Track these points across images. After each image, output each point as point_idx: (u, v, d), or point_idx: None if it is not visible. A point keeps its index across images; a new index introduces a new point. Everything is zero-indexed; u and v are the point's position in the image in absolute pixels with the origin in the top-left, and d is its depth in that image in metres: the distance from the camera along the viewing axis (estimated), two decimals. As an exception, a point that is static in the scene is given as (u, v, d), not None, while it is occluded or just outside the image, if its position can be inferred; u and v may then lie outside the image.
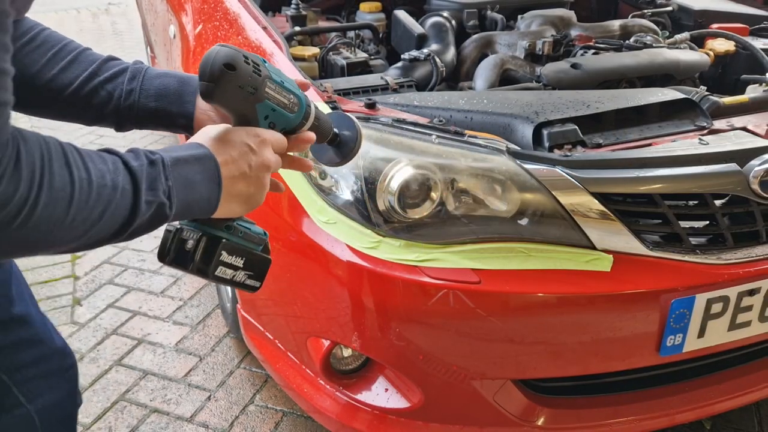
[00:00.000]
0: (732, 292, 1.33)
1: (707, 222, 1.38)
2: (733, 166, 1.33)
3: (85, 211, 0.61)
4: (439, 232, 1.28)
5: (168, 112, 0.91)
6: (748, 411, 1.84)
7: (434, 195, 1.27)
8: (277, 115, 0.80)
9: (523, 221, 1.28)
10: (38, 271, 2.61)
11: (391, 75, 1.75)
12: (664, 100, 1.51)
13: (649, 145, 1.40)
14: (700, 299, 1.31)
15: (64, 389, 1.12)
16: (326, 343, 1.40)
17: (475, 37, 2.07)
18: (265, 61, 0.78)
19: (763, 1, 2.57)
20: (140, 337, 2.19)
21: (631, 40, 2.01)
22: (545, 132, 1.38)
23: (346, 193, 1.32)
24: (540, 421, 1.41)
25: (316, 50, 1.89)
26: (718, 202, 1.35)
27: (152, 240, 2.80)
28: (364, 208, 1.29)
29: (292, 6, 2.19)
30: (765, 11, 2.39)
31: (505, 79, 1.89)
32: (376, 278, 1.26)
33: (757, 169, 1.32)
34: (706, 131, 1.46)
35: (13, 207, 0.55)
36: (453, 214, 1.28)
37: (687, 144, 1.39)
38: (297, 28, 2.06)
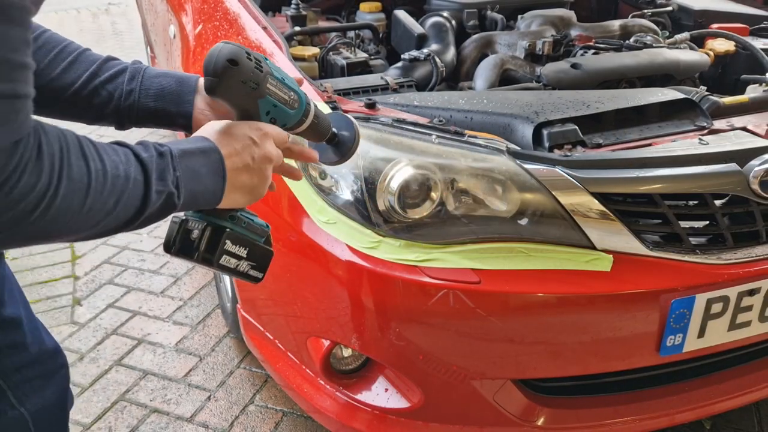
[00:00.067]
0: (732, 292, 1.33)
1: (707, 222, 1.38)
2: (733, 166, 1.33)
3: (100, 201, 0.64)
4: (439, 232, 1.28)
5: (167, 111, 0.93)
6: (748, 411, 1.85)
7: (434, 195, 1.27)
8: (278, 110, 0.82)
9: (523, 221, 1.28)
10: (38, 271, 2.61)
11: (391, 75, 1.75)
12: (664, 100, 1.51)
13: (649, 145, 1.40)
14: (700, 299, 1.31)
15: (57, 390, 1.12)
16: (326, 343, 1.40)
17: (475, 37, 2.07)
18: (266, 59, 0.80)
19: (763, 1, 2.57)
20: (140, 337, 2.19)
21: (631, 40, 2.01)
22: (545, 132, 1.38)
23: (346, 193, 1.32)
24: (540, 421, 1.41)
25: (316, 50, 1.89)
26: (718, 202, 1.35)
27: (152, 240, 2.80)
28: (364, 208, 1.29)
29: (292, 6, 2.19)
30: (765, 11, 2.39)
31: (505, 79, 1.90)
32: (376, 278, 1.26)
33: (757, 169, 1.32)
34: (706, 131, 1.46)
35: (35, 197, 0.57)
36: (453, 214, 1.28)
37: (687, 144, 1.39)
38: (297, 28, 2.06)
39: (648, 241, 1.31)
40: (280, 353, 1.59)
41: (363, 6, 2.34)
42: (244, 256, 0.83)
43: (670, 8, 2.43)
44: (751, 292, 1.35)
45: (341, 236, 1.30)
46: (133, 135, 3.77)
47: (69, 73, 0.89)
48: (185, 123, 0.94)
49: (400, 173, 1.26)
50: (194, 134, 0.80)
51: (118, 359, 2.09)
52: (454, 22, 2.19)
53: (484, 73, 1.85)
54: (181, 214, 0.81)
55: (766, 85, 1.71)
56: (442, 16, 2.18)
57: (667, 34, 2.19)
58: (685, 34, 2.06)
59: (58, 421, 1.16)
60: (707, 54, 1.94)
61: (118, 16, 7.42)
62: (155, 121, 0.94)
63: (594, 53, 1.92)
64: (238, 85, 0.76)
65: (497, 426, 1.41)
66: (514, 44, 2.04)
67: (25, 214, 0.57)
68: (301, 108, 0.85)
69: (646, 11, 2.40)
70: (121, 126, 0.94)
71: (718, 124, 1.50)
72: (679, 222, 1.33)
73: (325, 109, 1.36)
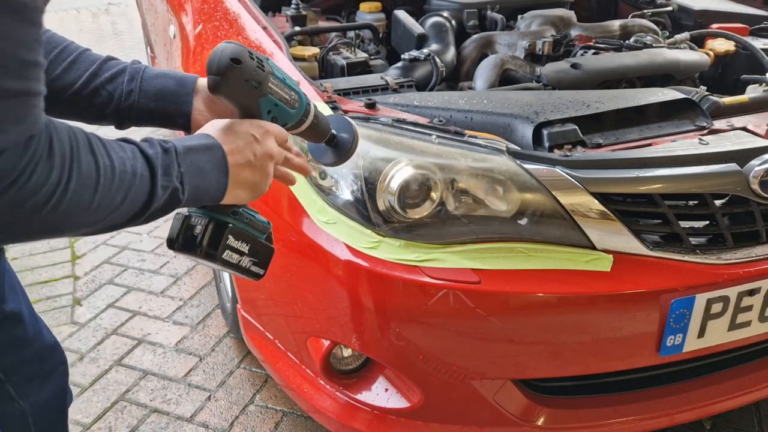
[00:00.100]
0: (732, 292, 1.33)
1: (707, 222, 1.38)
2: (733, 166, 1.33)
3: (108, 196, 0.65)
4: (439, 232, 1.28)
5: (166, 112, 0.94)
6: (748, 411, 1.85)
7: (434, 195, 1.27)
8: (279, 109, 0.84)
9: (523, 221, 1.28)
10: (38, 271, 2.61)
11: (391, 75, 1.75)
12: (664, 100, 1.51)
13: (649, 145, 1.40)
14: (700, 299, 1.31)
15: (56, 386, 1.14)
16: (326, 343, 1.40)
17: (475, 37, 2.07)
18: (268, 59, 0.82)
19: (763, 1, 2.57)
20: (140, 337, 2.19)
21: (631, 40, 2.01)
22: (545, 132, 1.38)
23: (346, 193, 1.32)
24: (540, 421, 1.41)
25: (316, 50, 1.89)
26: (718, 202, 1.35)
27: (152, 240, 2.80)
28: (364, 208, 1.29)
29: (292, 6, 2.19)
30: (765, 11, 2.39)
31: (505, 79, 1.89)
32: (376, 278, 1.26)
33: (757, 169, 1.32)
34: (706, 131, 1.46)
35: (47, 191, 0.59)
36: (453, 214, 1.28)
37: (687, 144, 1.39)
38: (297, 28, 2.06)
39: (648, 241, 1.31)
40: (280, 353, 1.59)
41: (363, 6, 2.34)
42: (246, 252, 0.84)
43: (670, 8, 2.43)
44: (751, 292, 1.35)
45: (341, 236, 1.30)
46: (137, 133, 3.78)
47: (69, 73, 0.90)
48: (184, 123, 0.95)
49: (400, 173, 1.26)
50: (197, 132, 0.81)
51: (118, 359, 2.09)
52: (454, 22, 2.19)
53: (484, 73, 1.85)
54: (185, 210, 0.82)
55: (766, 85, 1.71)
56: (442, 16, 2.18)
57: (667, 34, 2.19)
58: (685, 34, 2.06)
59: (57, 417, 1.18)
60: (707, 54, 1.94)
61: (118, 16, 7.42)
62: (154, 121, 0.95)
63: (594, 53, 1.92)
64: (241, 83, 0.77)
65: (497, 426, 1.41)
66: (514, 44, 2.04)
67: (37, 208, 0.59)
68: (301, 108, 0.86)
69: (646, 11, 2.40)
70: (121, 125, 0.95)
71: (718, 124, 1.50)
72: (679, 222, 1.33)
73: (326, 109, 1.36)
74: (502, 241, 1.29)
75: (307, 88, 1.44)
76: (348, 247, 1.28)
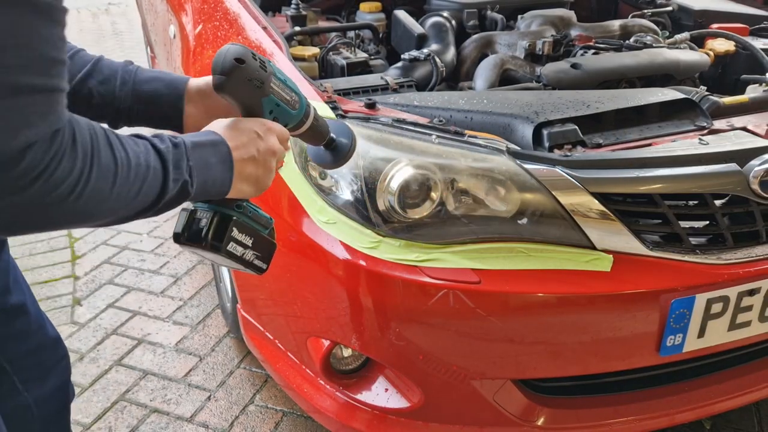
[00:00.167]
0: (732, 292, 1.33)
1: (707, 222, 1.38)
2: (733, 166, 1.33)
3: (125, 187, 0.68)
4: (439, 232, 1.28)
5: (159, 115, 0.97)
6: (748, 411, 1.85)
7: (434, 195, 1.27)
8: (280, 110, 0.86)
9: (523, 221, 1.28)
10: (38, 271, 2.61)
11: (391, 75, 1.75)
12: (664, 100, 1.51)
13: (649, 145, 1.40)
14: (700, 299, 1.31)
15: (59, 380, 1.18)
16: (326, 343, 1.40)
17: (475, 37, 2.07)
18: (270, 62, 0.85)
19: (763, 1, 2.57)
20: (140, 337, 2.19)
21: (631, 40, 2.01)
22: (545, 132, 1.38)
23: (346, 193, 1.32)
24: (540, 421, 1.41)
25: (316, 50, 1.89)
26: (718, 202, 1.35)
27: (152, 240, 2.80)
28: (364, 208, 1.29)
29: (292, 6, 2.19)
30: (765, 11, 2.39)
31: (505, 79, 1.89)
32: (376, 278, 1.26)
33: (757, 169, 1.32)
34: (706, 131, 1.46)
35: (72, 181, 0.62)
36: (453, 214, 1.28)
37: (687, 144, 1.39)
38: (297, 28, 2.06)
39: (648, 241, 1.31)
40: (280, 353, 1.59)
41: (363, 6, 2.34)
42: (250, 245, 0.87)
43: (670, 8, 2.43)
44: (751, 292, 1.35)
45: (341, 236, 1.30)
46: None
47: None
48: (177, 125, 0.97)
49: (400, 173, 1.26)
50: (203, 129, 0.84)
51: (118, 359, 2.09)
52: (454, 22, 2.19)
53: (484, 73, 1.85)
54: (190, 205, 0.85)
55: (766, 85, 1.71)
56: (442, 16, 2.18)
57: (667, 34, 2.19)
58: (685, 34, 2.06)
59: (60, 411, 1.21)
60: (707, 54, 1.94)
61: (118, 16, 7.42)
62: (148, 123, 0.97)
63: (594, 53, 1.92)
64: (244, 82, 0.80)
65: (497, 426, 1.41)
66: (514, 44, 2.04)
67: (62, 198, 0.61)
68: (301, 109, 0.89)
69: (646, 11, 2.40)
70: (116, 126, 0.97)
71: (718, 124, 1.50)
72: (679, 222, 1.33)
73: (326, 110, 1.36)
74: (502, 241, 1.29)
75: (307, 88, 1.45)
76: (348, 247, 1.28)
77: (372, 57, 1.93)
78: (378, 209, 1.28)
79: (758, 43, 2.03)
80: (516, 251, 1.28)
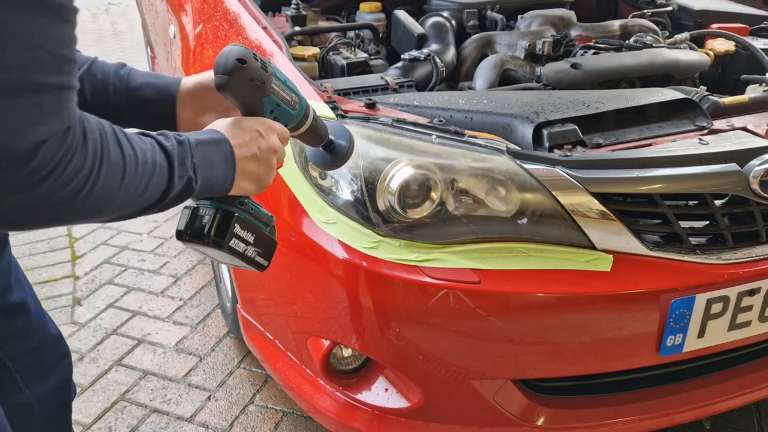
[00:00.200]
0: (732, 292, 1.33)
1: (707, 222, 1.38)
2: (733, 166, 1.33)
3: (133, 184, 0.69)
4: (439, 232, 1.28)
5: (152, 122, 0.97)
6: (748, 411, 1.85)
7: (434, 195, 1.27)
8: (280, 110, 0.88)
9: (523, 221, 1.28)
10: (38, 271, 2.61)
11: (391, 75, 1.75)
12: (664, 100, 1.51)
13: (649, 145, 1.40)
14: (700, 299, 1.31)
15: (60, 378, 1.18)
16: (326, 343, 1.40)
17: (475, 37, 2.07)
18: (270, 63, 0.86)
19: (763, 1, 2.57)
20: (140, 337, 2.19)
21: (631, 40, 2.01)
22: (545, 132, 1.38)
23: (346, 193, 1.32)
24: (540, 421, 1.41)
25: (316, 50, 1.89)
26: (718, 202, 1.35)
27: (152, 240, 2.80)
28: (364, 208, 1.29)
29: (292, 6, 2.19)
30: (765, 11, 2.39)
31: (505, 79, 1.89)
32: (376, 278, 1.26)
33: (757, 169, 1.32)
34: (706, 131, 1.46)
35: (83, 177, 0.63)
36: (453, 214, 1.28)
37: (687, 144, 1.39)
38: (297, 28, 2.06)
39: (648, 241, 1.31)
40: (280, 353, 1.59)
41: (363, 6, 2.34)
42: (252, 242, 0.88)
43: (670, 8, 2.43)
44: (751, 292, 1.35)
45: (341, 236, 1.30)
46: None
47: None
48: (170, 127, 0.98)
49: (400, 173, 1.26)
50: (205, 128, 0.86)
51: (118, 359, 2.09)
52: (454, 22, 2.19)
53: (484, 73, 1.85)
54: (192, 202, 0.85)
55: (766, 85, 1.71)
56: (442, 16, 2.18)
57: (667, 34, 2.19)
58: (685, 34, 2.06)
59: (61, 410, 1.22)
60: (707, 54, 1.94)
61: (118, 16, 7.42)
62: (143, 125, 0.98)
63: (594, 53, 1.92)
64: (246, 82, 0.81)
65: (497, 426, 1.41)
66: (514, 44, 2.04)
67: (74, 194, 0.63)
68: (301, 110, 0.90)
69: (646, 11, 2.40)
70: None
71: (718, 124, 1.50)
72: (679, 222, 1.33)
73: (326, 110, 1.36)
74: (502, 241, 1.29)
75: (307, 88, 1.45)
76: (348, 247, 1.28)
77: (372, 57, 1.93)
78: (378, 209, 1.28)
79: (758, 43, 2.03)
80: (516, 251, 1.28)
